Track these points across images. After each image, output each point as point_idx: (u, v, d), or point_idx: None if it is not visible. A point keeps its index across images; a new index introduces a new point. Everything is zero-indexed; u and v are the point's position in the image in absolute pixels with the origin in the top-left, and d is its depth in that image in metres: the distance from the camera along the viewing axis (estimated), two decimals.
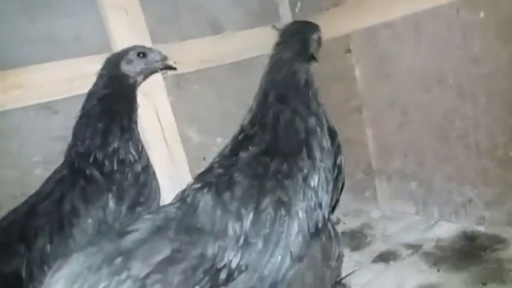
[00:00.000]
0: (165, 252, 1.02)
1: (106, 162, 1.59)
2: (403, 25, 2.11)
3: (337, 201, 1.66)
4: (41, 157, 1.88)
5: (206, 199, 1.22)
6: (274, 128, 1.52)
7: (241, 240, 1.19)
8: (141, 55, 1.74)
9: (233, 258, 1.15)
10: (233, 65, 2.44)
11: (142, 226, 1.04)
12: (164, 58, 1.79)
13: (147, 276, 0.95)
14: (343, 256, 1.52)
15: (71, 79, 1.89)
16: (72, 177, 1.56)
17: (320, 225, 1.39)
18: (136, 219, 1.11)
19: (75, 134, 1.68)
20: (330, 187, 1.50)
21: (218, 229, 1.17)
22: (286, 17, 2.64)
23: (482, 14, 1.80)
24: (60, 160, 1.88)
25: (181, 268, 1.02)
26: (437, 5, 1.91)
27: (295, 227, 1.29)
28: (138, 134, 1.76)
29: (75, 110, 1.92)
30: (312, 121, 1.57)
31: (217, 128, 2.39)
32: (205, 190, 1.25)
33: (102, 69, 1.75)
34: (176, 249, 1.04)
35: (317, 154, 1.47)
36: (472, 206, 2.05)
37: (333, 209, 1.59)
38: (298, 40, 1.77)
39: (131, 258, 0.95)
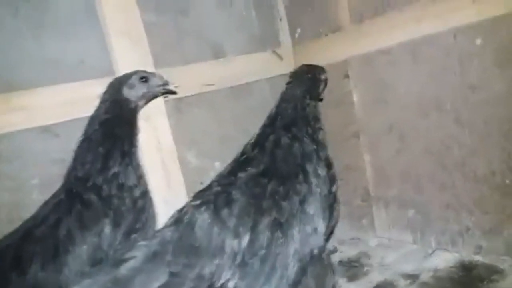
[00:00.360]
0: (162, 278, 1.02)
1: (105, 186, 1.58)
2: (400, 51, 2.15)
3: (332, 230, 1.66)
4: (38, 180, 1.88)
5: (204, 217, 1.23)
6: (272, 152, 1.56)
7: (238, 259, 1.19)
8: (143, 79, 1.77)
9: (230, 278, 1.16)
10: (233, 89, 2.47)
11: (138, 254, 1.04)
12: (166, 83, 1.82)
13: None
14: (338, 286, 1.50)
15: (74, 102, 1.91)
16: (69, 202, 1.55)
17: (315, 251, 1.39)
18: (131, 247, 1.10)
19: (75, 158, 1.69)
20: (326, 214, 1.50)
21: (216, 246, 1.18)
22: (286, 43, 2.70)
23: (479, 41, 1.84)
24: (57, 183, 1.88)
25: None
26: (434, 31, 1.96)
27: (291, 250, 1.29)
28: (139, 159, 1.77)
29: (75, 133, 1.94)
30: (310, 147, 1.62)
31: (216, 153, 2.40)
32: (203, 208, 1.26)
33: (105, 93, 1.77)
34: (174, 272, 1.05)
35: (313, 179, 1.50)
36: (469, 234, 2.04)
37: (327, 238, 1.58)
38: (308, 79, 1.97)
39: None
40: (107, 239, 1.49)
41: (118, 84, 1.76)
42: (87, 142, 1.68)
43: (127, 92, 1.75)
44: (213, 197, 1.33)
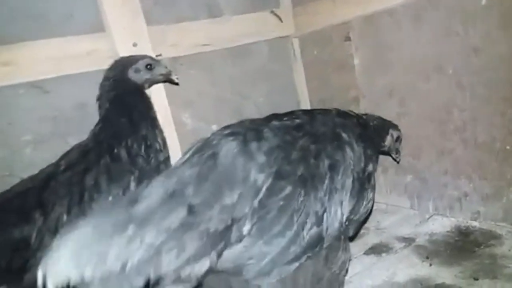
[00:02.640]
0: (180, 217, 0.96)
1: (135, 146, 1.64)
2: (404, 12, 2.06)
3: (362, 219, 1.54)
4: (31, 136, 1.85)
5: (230, 146, 1.16)
6: (313, 113, 1.54)
7: (260, 195, 1.12)
8: (148, 67, 1.81)
9: (248, 218, 1.09)
10: (230, 50, 2.39)
11: (155, 192, 0.98)
12: (169, 73, 1.87)
13: (162, 243, 0.91)
14: (347, 265, 1.44)
15: (63, 58, 1.86)
16: (98, 153, 1.59)
17: (336, 224, 1.30)
18: (148, 184, 1.03)
19: (102, 127, 1.72)
20: (355, 192, 1.40)
21: (239, 176, 1.11)
22: (286, 3, 2.58)
23: (484, 1, 1.75)
24: (51, 140, 1.87)
25: (197, 233, 0.97)
26: None
27: (310, 211, 1.22)
28: (160, 126, 1.83)
29: (66, 91, 1.91)
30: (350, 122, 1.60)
31: (212, 115, 2.35)
32: (232, 137, 1.20)
33: (109, 70, 1.79)
34: (192, 212, 0.98)
35: (348, 150, 1.42)
36: (467, 200, 2.02)
37: (353, 221, 1.48)
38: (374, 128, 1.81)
39: (144, 226, 0.89)
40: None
41: (123, 66, 1.79)
42: (107, 122, 1.72)
43: (132, 75, 1.79)
44: (243, 130, 1.25)
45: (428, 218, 2.15)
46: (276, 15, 2.51)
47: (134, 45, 1.97)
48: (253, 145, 1.20)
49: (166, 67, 1.86)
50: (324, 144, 1.36)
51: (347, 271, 1.46)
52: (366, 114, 1.89)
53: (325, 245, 1.28)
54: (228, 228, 1.04)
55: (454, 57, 1.91)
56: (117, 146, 1.61)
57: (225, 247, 1.05)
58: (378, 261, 1.87)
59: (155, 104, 2.02)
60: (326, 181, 1.28)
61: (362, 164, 1.48)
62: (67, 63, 1.86)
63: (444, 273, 1.67)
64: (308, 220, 1.20)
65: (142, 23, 1.98)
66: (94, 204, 1.47)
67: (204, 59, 2.31)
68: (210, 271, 1.00)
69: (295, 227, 1.17)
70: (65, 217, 1.43)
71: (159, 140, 1.74)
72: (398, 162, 2.04)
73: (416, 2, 1.98)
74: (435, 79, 2.02)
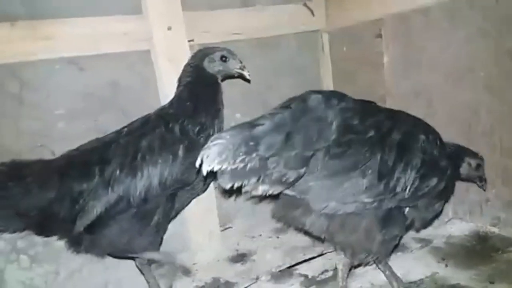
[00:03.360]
0: (281, 139, 1.27)
1: (189, 126, 1.77)
2: (438, 11, 2.04)
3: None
4: (64, 111, 1.91)
5: (317, 96, 1.41)
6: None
7: (334, 136, 1.37)
8: (223, 59, 1.90)
9: (326, 148, 1.36)
10: (259, 40, 2.40)
11: (267, 122, 1.28)
12: (242, 68, 1.95)
13: (269, 156, 1.25)
14: (397, 240, 1.60)
15: (100, 36, 1.91)
16: (156, 123, 1.75)
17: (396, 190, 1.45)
18: (261, 116, 1.33)
19: (170, 103, 1.89)
20: (420, 170, 1.49)
21: (323, 116, 1.38)
22: None
23: None
24: (84, 115, 1.94)
25: (294, 152, 1.29)
26: None
27: (373, 168, 1.40)
28: (223, 117, 1.93)
29: (100, 69, 1.97)
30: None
31: (237, 104, 2.37)
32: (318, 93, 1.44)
33: (192, 57, 1.94)
34: (289, 138, 1.28)
35: (421, 138, 1.56)
36: (488, 206, 2.00)
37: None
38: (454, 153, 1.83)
39: (260, 143, 1.23)
40: (178, 161, 1.68)
41: (202, 55, 1.91)
42: (175, 101, 1.87)
43: (206, 64, 1.90)
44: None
45: (446, 222, 2.15)
46: (308, 8, 2.51)
47: (169, 28, 2.01)
48: (334, 100, 1.43)
49: (240, 62, 1.93)
50: (400, 124, 1.54)
51: (396, 246, 1.62)
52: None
53: (384, 206, 1.45)
54: (310, 157, 1.34)
55: (486, 59, 1.89)
56: (173, 122, 1.75)
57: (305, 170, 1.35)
58: (394, 259, 1.87)
59: None
60: (393, 151, 1.45)
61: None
62: (103, 42, 1.92)
63: (459, 275, 1.68)
64: (369, 172, 1.39)
65: (178, 8, 2.02)
66: (145, 164, 1.63)
67: (234, 47, 2.29)
68: (297, 181, 1.35)
69: (357, 173, 1.38)
70: (117, 172, 1.60)
71: (216, 128, 1.85)
72: (484, 190, 1.92)
73: (451, 2, 1.96)
74: (465, 81, 2.00)
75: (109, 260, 1.91)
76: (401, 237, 1.65)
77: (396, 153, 1.45)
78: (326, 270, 1.85)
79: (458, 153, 1.83)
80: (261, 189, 1.29)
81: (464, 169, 1.82)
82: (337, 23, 2.58)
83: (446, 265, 1.77)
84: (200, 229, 2.13)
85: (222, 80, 1.98)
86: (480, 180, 1.87)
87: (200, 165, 1.18)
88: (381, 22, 2.34)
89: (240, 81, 2.39)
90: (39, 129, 1.86)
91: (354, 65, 2.59)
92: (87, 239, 1.61)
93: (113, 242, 1.65)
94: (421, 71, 2.20)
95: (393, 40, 2.32)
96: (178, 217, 2.11)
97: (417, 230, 1.91)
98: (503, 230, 1.93)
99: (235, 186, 1.23)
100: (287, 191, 1.42)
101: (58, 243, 1.81)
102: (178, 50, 2.04)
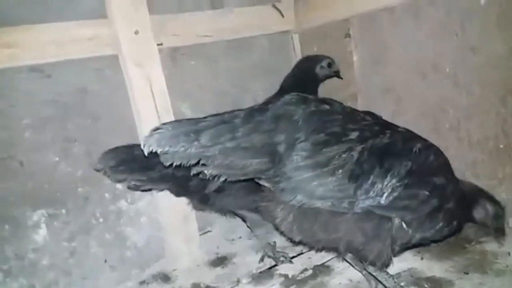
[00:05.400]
0: (227, 137, 1.36)
1: None
2: (404, 10, 2.09)
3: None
4: (31, 120, 1.84)
5: (286, 98, 1.51)
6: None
7: (302, 137, 1.42)
8: (329, 65, 2.40)
9: (284, 142, 1.41)
10: (230, 42, 2.40)
11: (212, 119, 1.40)
12: (338, 71, 2.43)
13: (210, 146, 1.34)
14: (384, 259, 1.53)
15: (63, 42, 1.85)
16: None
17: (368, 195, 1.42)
18: (210, 116, 1.46)
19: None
20: (404, 180, 1.44)
21: (284, 114, 1.45)
22: None
23: (483, 1, 1.78)
24: (51, 124, 1.88)
25: (238, 146, 1.37)
26: None
27: (346, 166, 1.40)
28: None
29: (67, 75, 1.91)
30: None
31: (211, 107, 2.34)
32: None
33: (299, 63, 2.50)
34: (235, 137, 1.37)
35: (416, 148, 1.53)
36: None
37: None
38: None
39: (201, 135, 1.34)
40: None
41: (312, 62, 2.41)
42: (277, 93, 2.26)
43: (318, 71, 2.39)
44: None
45: None
46: (277, 9, 2.53)
47: (136, 32, 1.97)
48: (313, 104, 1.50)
49: (337, 66, 2.40)
50: (391, 132, 1.53)
51: (386, 265, 1.54)
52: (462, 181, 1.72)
53: (355, 208, 1.42)
54: (267, 147, 1.41)
55: (451, 55, 1.94)
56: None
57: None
58: None
59: (155, 93, 2.04)
60: (374, 155, 1.43)
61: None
62: (69, 47, 1.86)
63: (435, 267, 1.72)
64: (340, 172, 1.39)
65: (144, 12, 1.98)
66: None
67: (205, 50, 2.32)
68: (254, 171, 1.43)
69: (327, 170, 1.38)
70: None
71: None
72: (500, 244, 1.74)
73: (415, 0, 2.01)
74: (431, 78, 2.05)
75: (87, 270, 1.88)
76: (392, 248, 1.53)
77: (376, 157, 1.43)
78: (306, 269, 1.86)
79: (473, 192, 1.68)
80: (208, 173, 1.39)
81: (478, 213, 1.65)
82: (306, 23, 2.60)
83: (422, 258, 1.80)
84: (178, 234, 2.09)
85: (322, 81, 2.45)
86: (496, 231, 1.68)
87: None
88: (349, 22, 2.38)
89: (212, 83, 2.39)
90: (5, 139, 1.79)
91: None
92: (213, 196, 1.89)
93: (232, 199, 1.91)
94: (389, 69, 2.25)
95: (361, 39, 2.37)
96: (156, 223, 2.09)
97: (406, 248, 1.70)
98: None
99: (175, 164, 1.35)
100: (261, 181, 1.48)
101: (32, 256, 1.78)
102: (146, 54, 2.00)
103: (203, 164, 1.37)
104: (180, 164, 1.36)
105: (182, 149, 1.33)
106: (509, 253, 1.71)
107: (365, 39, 2.35)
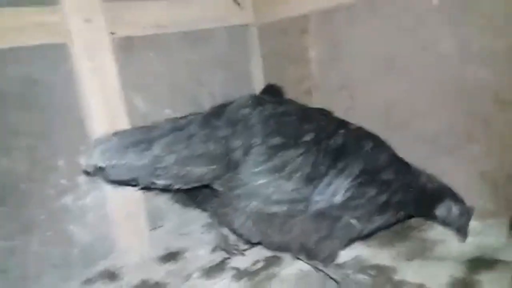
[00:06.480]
0: (182, 145, 1.34)
1: None
2: (360, 7, 2.14)
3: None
4: None
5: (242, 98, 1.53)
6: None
7: (262, 137, 1.42)
8: None
9: (241, 147, 1.40)
10: (188, 34, 2.36)
11: (166, 126, 1.38)
12: None
13: (164, 155, 1.31)
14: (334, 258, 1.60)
15: (12, 29, 1.75)
16: None
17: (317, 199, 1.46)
18: (163, 121, 1.43)
19: None
20: (358, 179, 1.48)
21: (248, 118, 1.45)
22: None
23: (434, 1, 1.86)
24: None
25: (194, 154, 1.35)
26: None
27: (299, 169, 1.42)
28: None
29: (13, 64, 1.81)
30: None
31: (167, 100, 2.32)
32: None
33: None
34: (192, 140, 1.35)
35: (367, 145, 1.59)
36: None
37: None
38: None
39: (154, 144, 1.30)
40: None
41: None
42: None
43: None
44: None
45: None
46: (235, 1, 2.51)
47: (87, 20, 1.89)
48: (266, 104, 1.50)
49: None
50: (345, 131, 1.56)
51: (333, 260, 1.59)
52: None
53: (310, 210, 1.43)
54: (223, 153, 1.39)
55: (405, 53, 2.01)
56: None
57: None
58: None
59: (106, 84, 1.98)
60: (329, 156, 1.46)
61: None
62: (14, 34, 1.76)
63: (380, 255, 1.79)
64: (297, 175, 1.40)
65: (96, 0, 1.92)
66: None
67: (161, 41, 2.27)
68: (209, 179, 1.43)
69: (283, 175, 1.39)
70: None
71: None
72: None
73: None
74: (383, 74, 2.12)
75: (28, 270, 1.82)
76: (342, 244, 1.60)
77: (330, 158, 1.46)
78: (258, 261, 1.88)
79: (438, 190, 1.67)
80: (160, 184, 1.35)
81: (441, 212, 1.65)
82: (265, 17, 2.61)
83: (368, 246, 1.87)
84: (127, 229, 2.05)
85: None
86: (459, 230, 1.68)
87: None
88: (306, 18, 2.41)
89: (167, 75, 2.35)
90: None
91: (282, 60, 2.64)
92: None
93: None
94: (344, 65, 2.31)
95: (318, 35, 2.40)
96: (104, 219, 2.03)
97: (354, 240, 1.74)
98: None
99: (123, 179, 1.31)
100: (216, 187, 1.45)
101: None
102: (98, 43, 1.93)
103: (156, 175, 1.32)
104: (129, 179, 1.31)
105: (132, 161, 1.26)
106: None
107: (322, 36, 2.39)
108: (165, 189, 1.49)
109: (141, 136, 1.33)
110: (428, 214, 1.71)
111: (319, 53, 2.44)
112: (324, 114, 1.68)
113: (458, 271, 1.59)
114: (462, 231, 1.68)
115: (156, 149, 1.29)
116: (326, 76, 2.42)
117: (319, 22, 2.38)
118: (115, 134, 1.34)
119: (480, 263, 1.62)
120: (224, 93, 2.54)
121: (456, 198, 1.67)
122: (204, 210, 2.08)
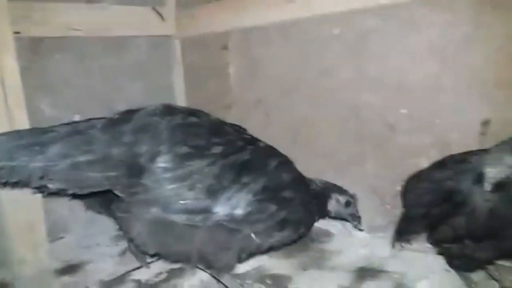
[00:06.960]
0: (81, 149, 1.33)
1: None
2: (274, 31, 2.27)
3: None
4: None
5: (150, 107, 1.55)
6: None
7: (167, 146, 1.43)
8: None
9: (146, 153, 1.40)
10: (104, 40, 2.32)
11: (64, 129, 1.37)
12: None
13: (58, 160, 1.29)
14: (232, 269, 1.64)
15: None
16: None
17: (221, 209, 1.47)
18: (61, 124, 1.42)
19: None
20: (258, 195, 1.51)
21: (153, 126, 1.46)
22: (170, 3, 2.60)
23: (337, 31, 2.05)
24: None
25: (93, 159, 1.34)
26: (301, 16, 2.11)
27: (202, 180, 1.44)
28: None
29: None
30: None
31: (78, 105, 2.23)
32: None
33: None
34: (92, 144, 1.35)
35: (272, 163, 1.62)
36: None
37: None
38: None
39: (48, 148, 1.28)
40: None
41: None
42: None
43: None
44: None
45: None
46: (157, 12, 2.51)
47: None
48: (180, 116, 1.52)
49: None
50: (253, 148, 1.59)
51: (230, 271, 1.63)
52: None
53: (209, 222, 1.44)
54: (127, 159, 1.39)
55: (308, 77, 2.18)
56: None
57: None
58: None
59: (6, 86, 1.85)
60: (234, 170, 1.48)
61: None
62: None
63: (280, 265, 1.88)
64: (199, 187, 1.41)
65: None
66: None
67: (74, 44, 2.20)
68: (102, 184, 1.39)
69: (186, 182, 1.40)
70: None
71: None
72: (360, 230, 1.90)
73: (284, 23, 2.20)
74: (293, 93, 2.26)
75: None
76: (240, 257, 1.62)
77: (235, 173, 1.48)
78: (160, 273, 1.86)
79: (325, 189, 1.82)
80: (53, 188, 1.33)
81: (332, 206, 1.81)
82: (187, 31, 2.64)
83: (272, 257, 1.94)
84: (23, 240, 1.91)
85: None
86: (353, 218, 1.84)
87: None
88: (227, 35, 2.49)
89: (80, 80, 2.27)
90: None
91: (204, 74, 2.69)
92: None
93: None
94: (260, 83, 2.42)
95: (238, 52, 2.49)
96: None
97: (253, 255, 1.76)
98: (321, 223, 2.17)
99: (12, 181, 1.28)
100: (117, 192, 1.42)
101: None
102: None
103: (49, 179, 1.29)
104: (19, 181, 1.28)
105: (23, 163, 1.24)
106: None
107: (241, 53, 2.48)
108: (60, 194, 1.43)
109: (34, 139, 1.29)
110: (325, 213, 1.84)
111: (238, 69, 2.53)
112: (236, 130, 1.71)
113: (345, 280, 1.72)
114: (354, 218, 1.84)
115: (50, 152, 1.26)
116: (244, 92, 2.51)
117: (238, 40, 2.48)
118: (4, 134, 1.30)
119: (366, 272, 1.77)
120: (143, 102, 2.47)
121: (340, 190, 1.84)
122: (115, 218, 2.00)
